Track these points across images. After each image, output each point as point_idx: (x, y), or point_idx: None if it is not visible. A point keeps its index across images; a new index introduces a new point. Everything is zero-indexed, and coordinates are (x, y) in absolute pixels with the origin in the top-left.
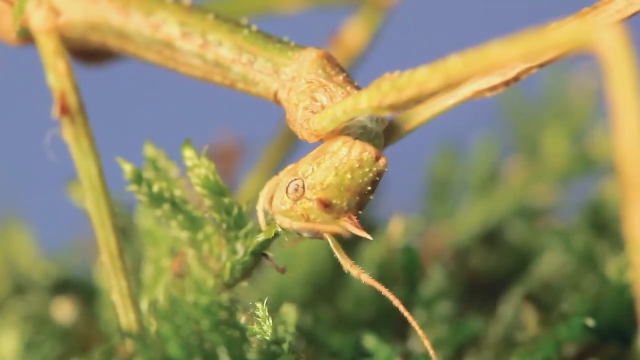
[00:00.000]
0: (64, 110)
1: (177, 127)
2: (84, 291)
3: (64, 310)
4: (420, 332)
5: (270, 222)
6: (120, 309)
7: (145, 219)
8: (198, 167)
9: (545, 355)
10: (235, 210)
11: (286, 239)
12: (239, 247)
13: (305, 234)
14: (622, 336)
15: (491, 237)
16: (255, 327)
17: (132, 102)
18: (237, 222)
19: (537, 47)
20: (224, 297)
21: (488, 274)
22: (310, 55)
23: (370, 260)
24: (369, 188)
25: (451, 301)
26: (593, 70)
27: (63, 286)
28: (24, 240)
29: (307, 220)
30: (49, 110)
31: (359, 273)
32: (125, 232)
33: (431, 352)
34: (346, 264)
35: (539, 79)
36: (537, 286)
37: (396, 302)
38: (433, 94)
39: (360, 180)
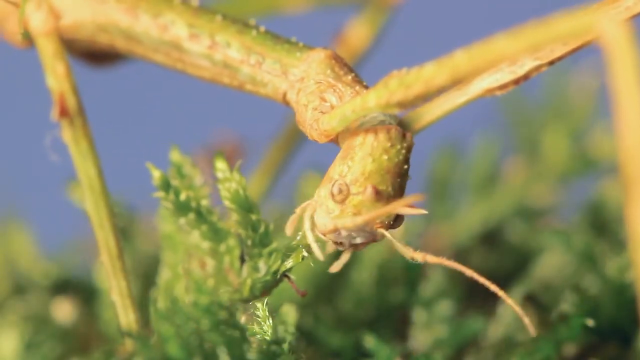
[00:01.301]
0: (63, 112)
1: (177, 127)
2: (84, 291)
3: (64, 310)
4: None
5: (302, 245)
6: (120, 309)
7: (166, 223)
8: (229, 181)
9: (545, 355)
10: (261, 228)
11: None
12: (262, 265)
13: (358, 240)
14: (622, 336)
15: (491, 237)
16: (255, 327)
17: (131, 103)
18: (262, 240)
19: (542, 39)
20: (224, 297)
21: (488, 274)
22: (318, 56)
23: (370, 260)
24: (405, 166)
25: (451, 301)
26: (593, 70)
27: (63, 286)
28: (24, 240)
29: (360, 215)
30: (49, 111)
31: (423, 257)
32: (125, 233)
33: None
34: (408, 252)
35: (539, 79)
36: (537, 286)
37: (474, 275)
38: (441, 90)
39: (397, 159)
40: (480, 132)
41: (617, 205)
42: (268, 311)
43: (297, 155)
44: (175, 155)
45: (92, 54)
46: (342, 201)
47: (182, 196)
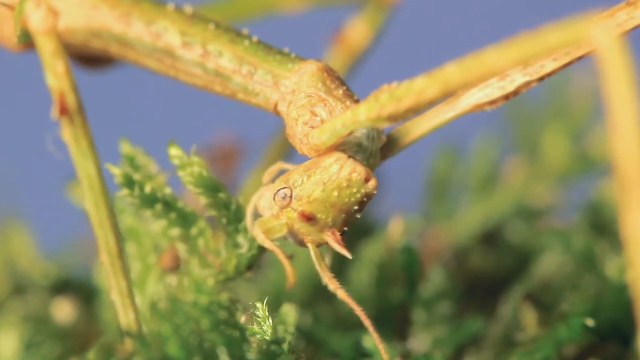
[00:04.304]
0: (63, 110)
1: (177, 127)
2: (83, 291)
3: (64, 310)
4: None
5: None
6: (120, 309)
7: (126, 216)
8: (189, 166)
9: (545, 355)
10: (233, 205)
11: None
12: (241, 240)
13: (290, 239)
14: (622, 336)
15: (491, 237)
16: (255, 327)
17: (131, 102)
18: (236, 215)
19: (534, 49)
20: (224, 296)
21: (488, 274)
22: (310, 68)
23: (370, 260)
24: (356, 208)
25: (451, 301)
26: (593, 70)
27: (63, 286)
28: (24, 240)
29: (291, 229)
30: (49, 110)
31: (336, 288)
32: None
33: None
34: (325, 277)
35: None
36: (537, 286)
37: (367, 323)
38: (432, 103)
39: (347, 200)
40: (480, 132)
41: (617, 205)
42: (268, 311)
43: (295, 154)
44: (125, 148)
45: (85, 57)
46: (281, 208)
47: (147, 189)
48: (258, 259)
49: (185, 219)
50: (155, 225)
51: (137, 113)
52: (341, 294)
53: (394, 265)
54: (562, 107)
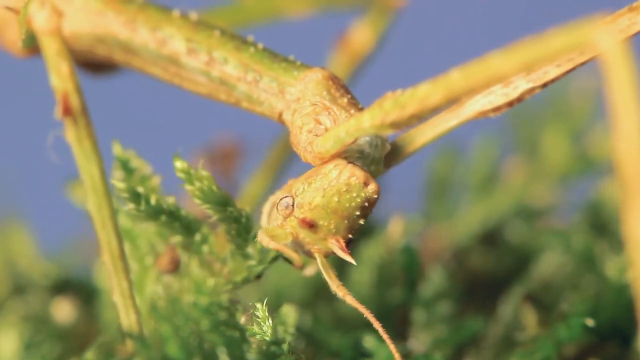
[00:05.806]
0: (67, 111)
1: (178, 127)
2: (84, 291)
3: (64, 310)
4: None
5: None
6: (122, 310)
7: (120, 216)
8: (198, 180)
9: (545, 355)
10: (243, 219)
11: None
12: (251, 251)
13: (297, 251)
14: (622, 336)
15: (491, 237)
16: (255, 328)
17: (133, 103)
18: (246, 227)
19: (538, 54)
20: (224, 297)
21: (488, 274)
22: (315, 76)
23: (370, 260)
24: (358, 213)
25: (451, 301)
26: (593, 71)
27: (63, 286)
28: (24, 240)
29: (296, 238)
30: (51, 111)
31: (345, 294)
32: None
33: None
34: (333, 284)
35: None
36: (537, 286)
37: (376, 325)
38: (436, 110)
39: (348, 205)
40: (480, 132)
41: (617, 206)
42: (268, 312)
43: (297, 157)
44: (118, 150)
45: (90, 64)
46: (285, 217)
47: (153, 201)
48: (267, 270)
49: (188, 227)
50: (150, 225)
51: (139, 113)
52: (350, 300)
53: (394, 265)
54: (562, 107)
